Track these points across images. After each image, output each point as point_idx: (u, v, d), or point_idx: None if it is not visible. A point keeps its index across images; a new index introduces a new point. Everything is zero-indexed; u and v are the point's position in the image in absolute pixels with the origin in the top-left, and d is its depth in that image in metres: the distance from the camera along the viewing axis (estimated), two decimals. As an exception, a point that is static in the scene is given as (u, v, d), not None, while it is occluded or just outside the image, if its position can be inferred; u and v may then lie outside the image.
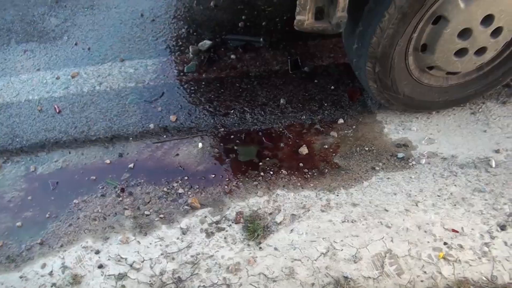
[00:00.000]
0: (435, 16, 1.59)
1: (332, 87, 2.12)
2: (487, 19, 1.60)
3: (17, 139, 2.02)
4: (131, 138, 1.99)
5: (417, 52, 1.70)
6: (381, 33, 1.57)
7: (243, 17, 2.47)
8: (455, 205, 1.68)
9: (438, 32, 1.62)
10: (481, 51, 1.71)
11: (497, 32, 1.66)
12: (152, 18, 2.51)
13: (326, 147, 1.90)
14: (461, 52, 1.69)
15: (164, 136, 1.99)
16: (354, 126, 1.97)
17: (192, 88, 2.16)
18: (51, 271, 1.63)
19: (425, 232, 1.63)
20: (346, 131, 1.96)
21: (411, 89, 1.82)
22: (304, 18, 1.53)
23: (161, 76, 2.23)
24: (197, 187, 1.80)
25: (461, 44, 1.65)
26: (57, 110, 2.12)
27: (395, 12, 1.51)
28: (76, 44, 2.42)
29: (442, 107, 1.97)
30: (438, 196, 1.71)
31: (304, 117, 2.02)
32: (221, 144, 1.95)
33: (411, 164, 1.82)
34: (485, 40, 1.67)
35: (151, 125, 2.02)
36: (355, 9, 1.61)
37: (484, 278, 1.51)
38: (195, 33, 2.41)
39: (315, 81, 2.15)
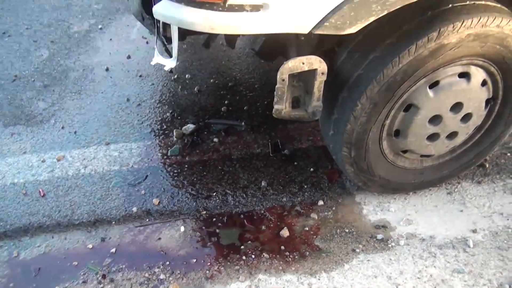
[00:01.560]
0: (406, 104, 1.69)
1: (312, 169, 2.18)
2: (456, 106, 1.70)
3: (1, 223, 2.02)
4: (113, 222, 2.00)
5: (390, 137, 1.78)
6: (354, 120, 1.66)
7: (225, 101, 2.57)
8: (435, 287, 1.69)
9: (409, 119, 1.70)
10: (452, 135, 1.80)
11: (466, 117, 1.76)
12: (138, 102, 2.60)
13: (307, 229, 1.93)
14: (433, 137, 1.78)
15: (147, 220, 2.00)
16: (333, 208, 2.01)
17: (175, 171, 2.21)
18: None
19: (407, 315, 1.63)
20: (326, 213, 1.99)
21: (387, 172, 1.88)
22: (282, 107, 1.61)
23: (145, 159, 2.28)
24: (179, 272, 1.80)
25: (433, 129, 1.74)
26: (42, 194, 2.14)
27: (367, 102, 1.60)
28: (63, 127, 2.48)
29: (418, 188, 2.03)
30: (418, 278, 1.73)
31: (285, 199, 2.06)
32: (203, 227, 1.96)
33: (390, 245, 1.85)
34: (456, 126, 1.76)
35: (134, 209, 2.04)
36: (330, 98, 1.70)
37: None
38: (179, 117, 2.49)
39: (295, 163, 2.21)
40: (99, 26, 3.24)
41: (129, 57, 2.92)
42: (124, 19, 3.23)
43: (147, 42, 3.03)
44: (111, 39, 3.12)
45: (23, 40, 3.17)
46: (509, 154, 2.20)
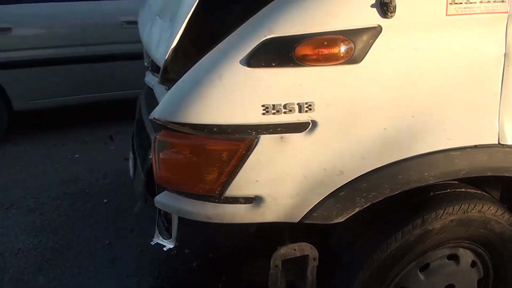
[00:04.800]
0: (399, 287, 1.71)
1: None
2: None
3: None
4: None
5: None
6: (349, 302, 1.67)
7: (223, 278, 2.58)
8: None
9: (404, 299, 1.72)
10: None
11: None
12: (137, 279, 2.61)
13: None
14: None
15: None
16: None
17: None
18: None
19: None
20: None
21: None
22: (276, 291, 1.64)
23: None
24: None
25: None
26: None
27: (360, 286, 1.63)
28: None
29: None
30: None
31: None
32: None
33: None
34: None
35: None
36: (324, 282, 1.73)
37: None
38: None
39: None
40: (104, 200, 3.39)
41: (131, 231, 3.00)
42: (129, 193, 3.38)
43: (149, 216, 3.13)
44: (115, 212, 3.24)
45: (30, 213, 3.29)
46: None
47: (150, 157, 1.90)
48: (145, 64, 2.64)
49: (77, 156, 4.20)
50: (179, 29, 1.51)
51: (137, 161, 2.22)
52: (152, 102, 2.34)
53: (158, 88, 2.12)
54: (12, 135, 4.70)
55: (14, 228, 3.12)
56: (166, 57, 1.56)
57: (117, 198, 3.42)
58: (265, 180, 1.46)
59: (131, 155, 2.43)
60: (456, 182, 1.71)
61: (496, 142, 1.56)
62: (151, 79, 2.39)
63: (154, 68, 2.34)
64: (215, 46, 1.46)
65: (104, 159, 4.08)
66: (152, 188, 1.90)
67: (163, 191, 1.65)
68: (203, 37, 1.64)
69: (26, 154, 4.30)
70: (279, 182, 1.46)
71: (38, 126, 4.98)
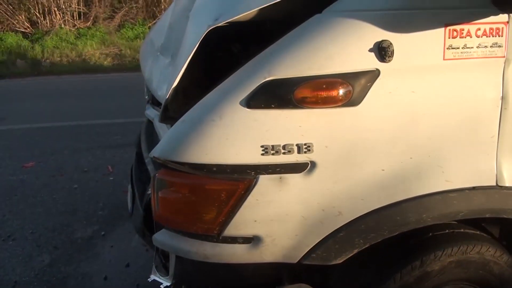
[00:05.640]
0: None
1: None
2: None
3: None
4: None
5: None
6: None
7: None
8: None
9: None
10: None
11: None
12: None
13: None
14: None
15: None
16: None
17: None
18: None
19: None
20: None
21: None
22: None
23: None
24: None
25: None
26: None
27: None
28: None
29: None
30: None
31: None
32: None
33: None
34: None
35: None
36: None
37: None
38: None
39: None
40: (102, 233, 3.37)
41: (128, 265, 2.97)
42: (127, 225, 3.36)
43: (146, 250, 3.10)
44: (112, 246, 3.21)
45: (27, 245, 3.27)
46: None
47: (149, 192, 1.90)
48: (146, 97, 2.67)
49: (76, 186, 4.19)
50: (181, 69, 1.53)
51: (136, 195, 2.22)
52: (152, 135, 2.36)
53: (158, 122, 2.14)
54: (11, 163, 4.72)
55: (11, 260, 3.09)
56: (167, 96, 1.58)
57: (114, 230, 3.40)
58: (264, 220, 1.46)
59: (129, 188, 2.43)
60: (455, 222, 1.71)
61: (494, 184, 1.56)
62: (151, 112, 2.42)
63: (155, 101, 2.36)
64: (215, 87, 1.48)
65: (103, 190, 4.07)
66: (150, 223, 1.90)
67: (162, 227, 1.65)
68: (203, 76, 1.67)
69: (25, 183, 4.29)
70: (277, 222, 1.46)
71: (38, 154, 5.01)
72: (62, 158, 4.91)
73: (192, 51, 1.49)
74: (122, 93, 7.80)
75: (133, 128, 4.11)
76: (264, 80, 1.39)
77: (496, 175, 1.56)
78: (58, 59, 11.30)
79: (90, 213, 3.66)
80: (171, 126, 1.57)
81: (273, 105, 1.39)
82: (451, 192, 1.52)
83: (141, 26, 13.56)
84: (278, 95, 1.38)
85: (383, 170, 1.46)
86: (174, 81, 1.55)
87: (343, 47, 1.39)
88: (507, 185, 1.57)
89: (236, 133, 1.40)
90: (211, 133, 1.41)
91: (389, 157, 1.46)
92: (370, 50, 1.38)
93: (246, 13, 1.46)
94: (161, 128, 2.06)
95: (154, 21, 13.64)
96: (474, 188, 1.55)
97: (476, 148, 1.53)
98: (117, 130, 5.71)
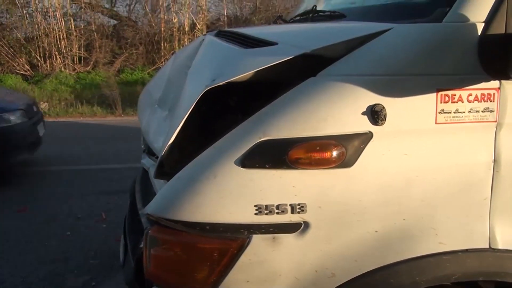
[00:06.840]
0: None
1: None
2: None
3: None
4: None
5: None
6: None
7: None
8: None
9: None
10: None
11: None
12: None
13: None
14: None
15: None
16: None
17: None
18: None
19: None
20: None
21: None
22: None
23: None
24: None
25: None
26: None
27: None
28: None
29: None
30: None
31: None
32: None
33: None
34: None
35: None
36: None
37: None
38: None
39: None
40: (93, 283, 3.30)
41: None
42: (118, 276, 3.30)
43: (137, 302, 3.06)
44: (103, 296, 3.16)
45: (17, 294, 3.21)
46: None
47: (141, 245, 1.88)
48: (142, 146, 2.68)
49: (68, 233, 4.15)
50: (177, 127, 1.55)
51: (128, 246, 2.19)
52: (147, 185, 2.36)
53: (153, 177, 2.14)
54: (5, 209, 4.68)
55: (-1, 309, 3.03)
56: (163, 153, 1.59)
57: (105, 281, 3.34)
58: (256, 281, 1.44)
59: (122, 239, 2.40)
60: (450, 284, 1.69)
61: (487, 246, 1.55)
62: (147, 162, 2.42)
63: (150, 151, 2.37)
64: (210, 144, 1.50)
65: (95, 238, 4.03)
66: (142, 277, 1.87)
67: (153, 284, 1.63)
68: (199, 133, 1.69)
69: (18, 229, 4.24)
70: (270, 282, 1.45)
71: (31, 198, 4.98)
72: (56, 203, 4.88)
73: (189, 110, 1.52)
74: (119, 138, 7.85)
75: (128, 174, 4.11)
76: (259, 140, 1.40)
77: (489, 237, 1.55)
78: (56, 101, 11.39)
79: (81, 262, 3.60)
80: (167, 181, 1.57)
81: (267, 166, 1.40)
82: (445, 254, 1.51)
83: (140, 72, 13.77)
84: (272, 155, 1.40)
85: (376, 232, 1.46)
86: (170, 138, 1.56)
87: (336, 109, 1.42)
88: (500, 247, 1.56)
89: (230, 192, 1.41)
90: (205, 191, 1.41)
91: (382, 218, 1.46)
92: (363, 113, 1.41)
93: (243, 75, 1.49)
94: (156, 180, 2.06)
95: (154, 67, 13.89)
96: (467, 250, 1.54)
97: (469, 210, 1.54)
98: (112, 176, 5.71)
